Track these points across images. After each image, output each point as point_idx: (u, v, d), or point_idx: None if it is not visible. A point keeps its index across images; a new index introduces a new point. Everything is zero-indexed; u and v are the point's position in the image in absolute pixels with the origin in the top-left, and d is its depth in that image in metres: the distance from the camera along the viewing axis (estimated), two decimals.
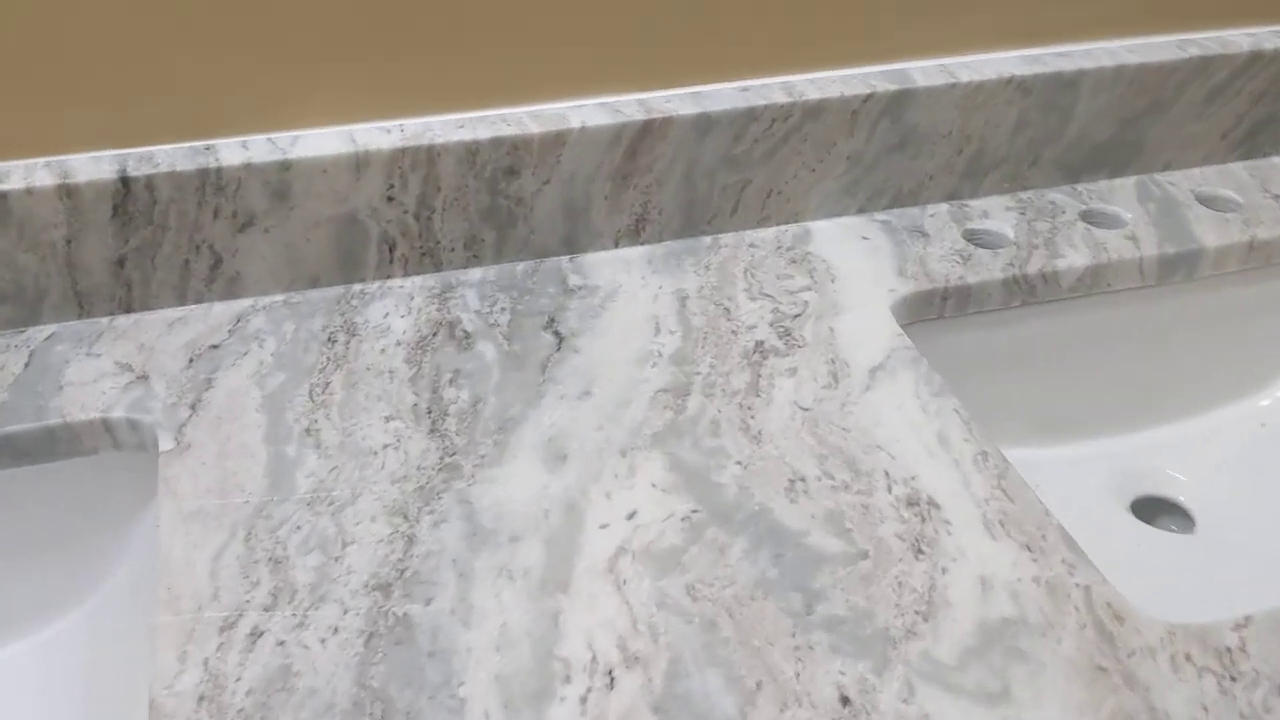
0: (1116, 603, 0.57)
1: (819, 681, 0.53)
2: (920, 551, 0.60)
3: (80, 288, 0.72)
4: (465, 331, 0.74)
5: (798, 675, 0.53)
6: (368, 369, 0.71)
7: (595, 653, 0.54)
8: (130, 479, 0.69)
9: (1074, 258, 0.83)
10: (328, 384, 0.70)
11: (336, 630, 0.54)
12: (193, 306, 0.75)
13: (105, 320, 0.74)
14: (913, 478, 0.64)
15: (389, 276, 0.79)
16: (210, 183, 0.71)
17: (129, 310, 0.74)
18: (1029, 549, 0.60)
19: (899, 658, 0.54)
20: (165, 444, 0.65)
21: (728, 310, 0.77)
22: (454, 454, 0.65)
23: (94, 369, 0.70)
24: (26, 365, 0.70)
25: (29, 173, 0.68)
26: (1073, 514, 0.81)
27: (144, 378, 0.69)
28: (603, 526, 0.60)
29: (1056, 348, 0.87)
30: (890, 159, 0.85)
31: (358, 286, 0.78)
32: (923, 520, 0.61)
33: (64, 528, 0.70)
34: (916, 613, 0.56)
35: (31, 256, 0.70)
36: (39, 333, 0.73)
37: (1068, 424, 0.90)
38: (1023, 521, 0.61)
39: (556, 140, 0.76)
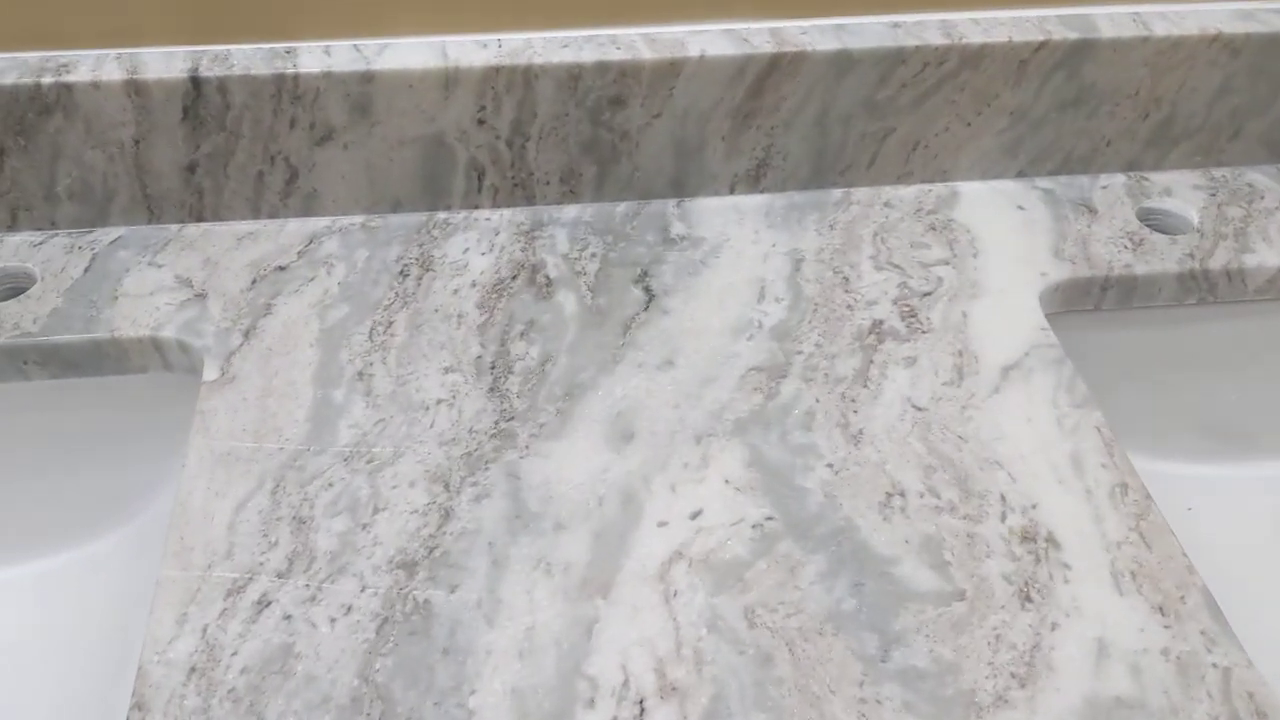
0: (1261, 694, 0.47)
1: None
2: (1028, 599, 0.50)
3: (150, 191, 0.68)
4: (548, 278, 0.67)
5: None
6: (436, 311, 0.64)
7: (629, 675, 0.47)
8: (180, 403, 0.65)
9: (1267, 254, 0.69)
10: (390, 323, 0.64)
11: (349, 610, 0.49)
12: (266, 221, 0.70)
13: (174, 228, 0.70)
14: (1033, 506, 0.54)
15: (475, 207, 0.72)
16: (287, 90, 0.65)
17: (199, 219, 0.70)
18: (1162, 612, 0.50)
19: None
20: (210, 373, 0.60)
21: (847, 280, 0.67)
22: (511, 419, 0.58)
23: (153, 280, 0.66)
24: (87, 270, 0.66)
25: (97, 65, 0.64)
26: (1228, 554, 0.70)
27: (202, 296, 0.65)
28: (661, 524, 0.53)
29: (1233, 356, 0.74)
30: (1061, 118, 0.73)
31: (441, 215, 0.71)
32: (1037, 561, 0.52)
33: (111, 445, 0.67)
34: (1012, 675, 0.47)
35: (99, 154, 0.66)
36: (105, 235, 0.69)
37: (1239, 443, 0.77)
38: (1159, 576, 0.51)
39: (671, 69, 0.67)
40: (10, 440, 0.66)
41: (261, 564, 0.51)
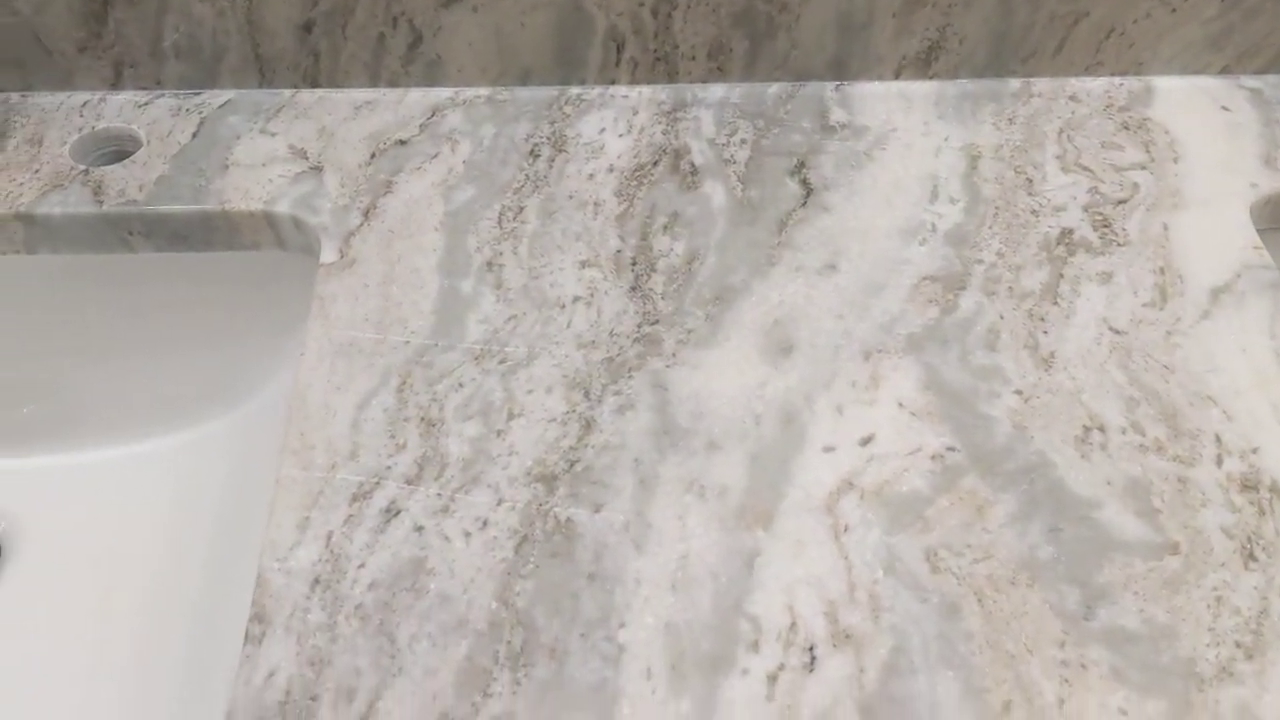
0: None
1: (1090, 717, 0.39)
2: (1252, 558, 0.44)
3: (262, 52, 0.62)
4: (692, 165, 0.60)
5: (1061, 702, 0.40)
6: (570, 197, 0.58)
7: (796, 618, 0.42)
8: (293, 284, 0.60)
9: None
10: (521, 209, 0.58)
11: (485, 525, 0.44)
12: (385, 90, 0.64)
13: (287, 93, 0.64)
14: (1253, 450, 0.47)
15: (613, 81, 0.65)
16: None
17: (314, 84, 0.64)
18: None
19: (1206, 705, 0.40)
20: (328, 255, 0.55)
21: (1030, 181, 0.60)
22: (655, 322, 0.52)
23: (265, 150, 0.60)
24: (195, 135, 0.61)
25: None
26: None
27: (318, 169, 0.59)
28: (827, 450, 0.47)
29: None
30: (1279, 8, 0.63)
31: (575, 90, 0.65)
32: (1261, 514, 0.45)
33: (218, 326, 0.62)
34: (1237, 645, 0.41)
35: (209, 8, 0.60)
36: (214, 98, 0.63)
37: None
38: None
39: None
40: (112, 315, 0.62)
41: (389, 468, 0.46)
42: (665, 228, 0.57)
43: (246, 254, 0.59)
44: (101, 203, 0.57)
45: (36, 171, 0.59)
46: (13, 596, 0.60)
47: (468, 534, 0.44)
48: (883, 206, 0.58)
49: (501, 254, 0.55)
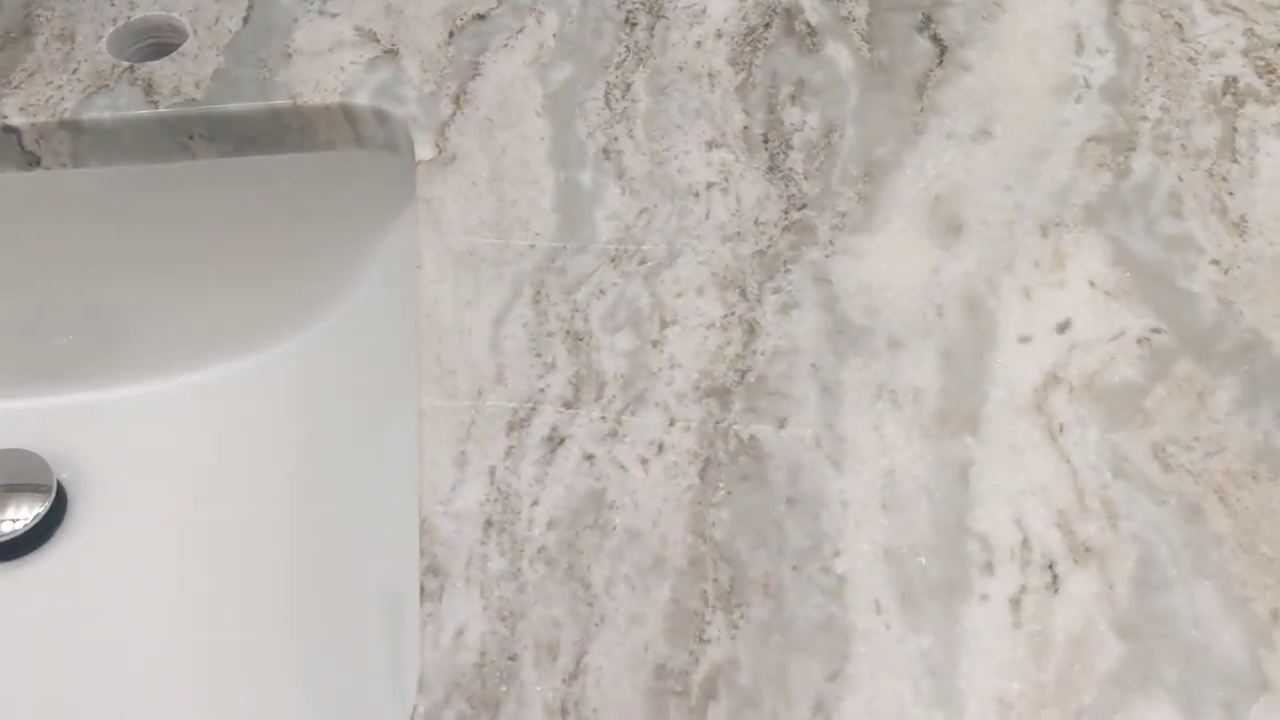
0: None
1: None
2: None
3: None
4: (809, 25, 0.54)
5: None
6: (680, 69, 0.52)
7: (1027, 533, 0.37)
8: (376, 186, 0.54)
9: None
10: (628, 86, 0.51)
11: (661, 449, 0.40)
12: None
13: None
14: None
15: None
16: None
17: None
18: None
19: None
20: (424, 150, 0.48)
21: (1180, 26, 0.54)
22: (803, 206, 0.47)
23: (329, 34, 0.53)
24: (245, 20, 0.54)
25: None
26: None
27: (393, 53, 0.53)
28: (1023, 340, 0.42)
29: None
30: None
31: None
32: None
33: (287, 236, 0.56)
34: None
35: None
36: None
37: None
38: None
39: None
40: (162, 229, 0.56)
41: (542, 390, 0.41)
42: (793, 98, 0.51)
43: (316, 155, 0.53)
44: (156, 103, 0.50)
45: (74, 71, 0.51)
46: (87, 553, 0.55)
47: (644, 460, 0.39)
48: (1026, 62, 0.52)
49: (617, 139, 0.49)
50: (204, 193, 0.54)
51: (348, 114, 0.51)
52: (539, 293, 0.44)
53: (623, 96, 0.51)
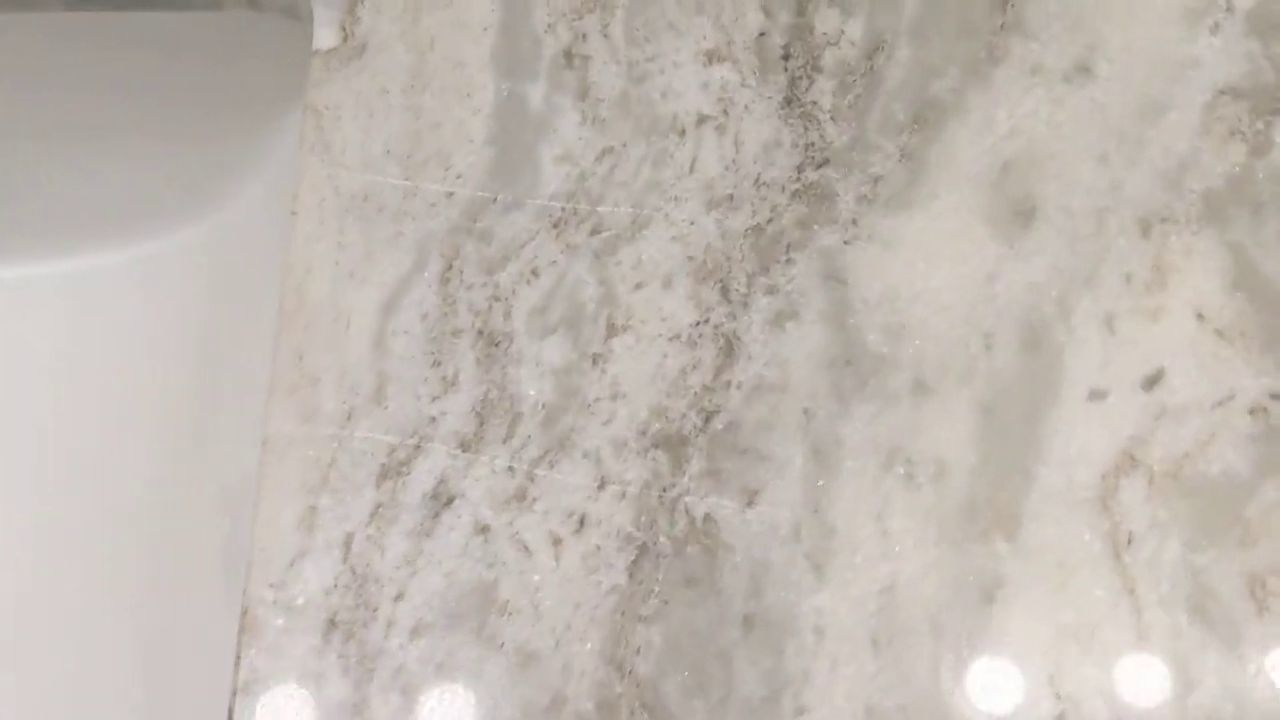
0: None
1: None
2: None
3: None
4: None
5: None
6: None
7: (1064, 705, 0.28)
8: (272, 64, 0.42)
9: None
10: None
11: (582, 524, 0.29)
12: None
13: None
14: None
15: None
16: None
17: None
18: None
19: None
20: (324, 35, 0.36)
21: None
22: (823, 162, 0.35)
23: None
24: None
25: None
26: None
27: None
28: (1095, 396, 0.31)
29: None
30: None
31: None
32: None
33: (167, 118, 0.44)
34: None
35: None
36: None
37: None
38: None
39: None
40: (41, 92, 0.44)
41: (434, 421, 0.30)
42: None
43: (195, 16, 0.40)
44: None
45: None
46: None
47: (557, 540, 0.29)
48: None
49: (585, 36, 0.36)
50: (57, 55, 0.41)
51: None
52: (450, 266, 0.32)
53: None
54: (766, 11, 0.37)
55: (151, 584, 0.45)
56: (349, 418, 0.30)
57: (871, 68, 0.36)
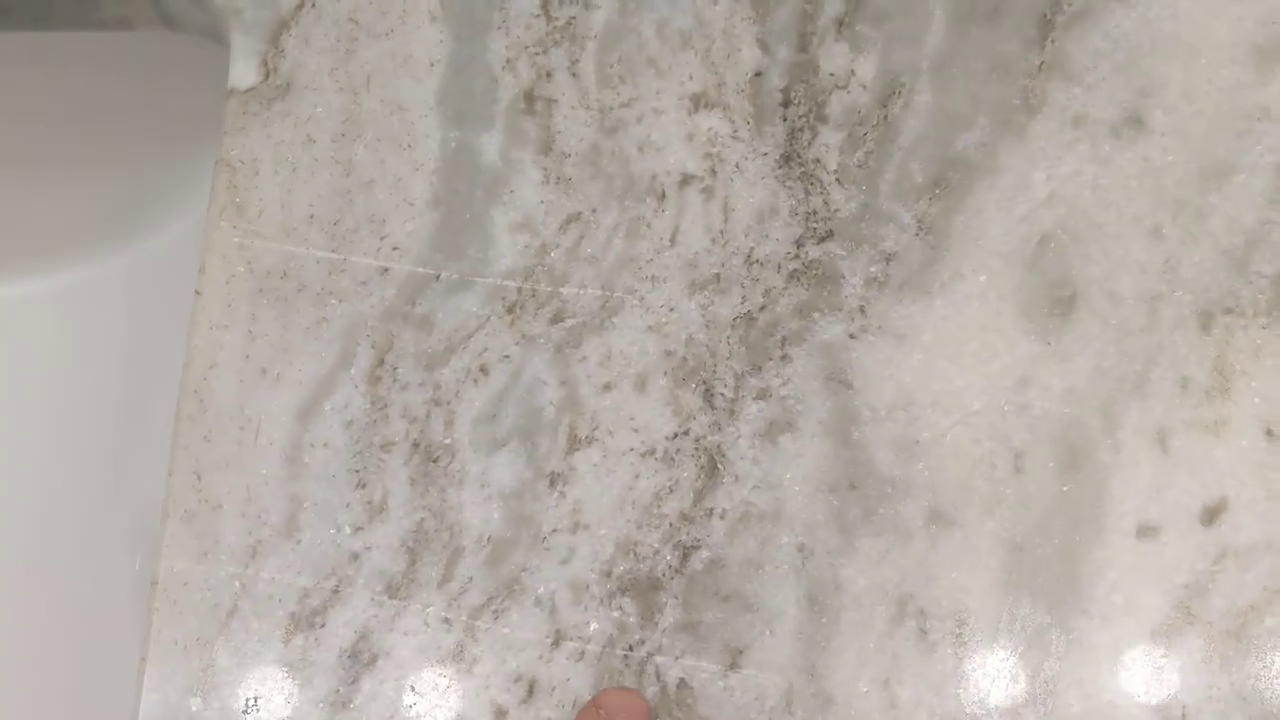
0: None
1: None
2: None
3: None
4: None
5: None
6: None
7: None
8: (198, 80, 0.36)
9: None
10: None
11: (531, 693, 0.25)
12: None
13: None
14: None
15: None
16: None
17: None
18: None
19: None
20: (242, 71, 0.30)
21: None
22: (826, 235, 0.29)
23: None
24: None
25: None
26: None
27: None
28: (1144, 532, 0.27)
29: None
30: None
31: None
32: None
33: (101, 136, 0.39)
34: None
35: None
36: None
37: None
38: None
39: None
40: None
41: (357, 558, 0.25)
42: (840, 24, 0.32)
43: (116, 36, 0.35)
44: None
45: None
46: None
47: (501, 713, 0.24)
48: None
49: (551, 74, 0.31)
50: None
51: None
52: (382, 361, 0.27)
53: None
54: (764, 46, 0.31)
55: (57, 620, 0.41)
56: (254, 554, 0.25)
57: (885, 117, 0.31)
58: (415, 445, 0.26)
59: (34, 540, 0.42)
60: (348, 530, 0.25)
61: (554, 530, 0.26)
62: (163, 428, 0.36)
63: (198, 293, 0.28)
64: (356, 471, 0.26)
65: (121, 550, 0.42)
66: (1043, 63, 0.31)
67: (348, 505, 0.26)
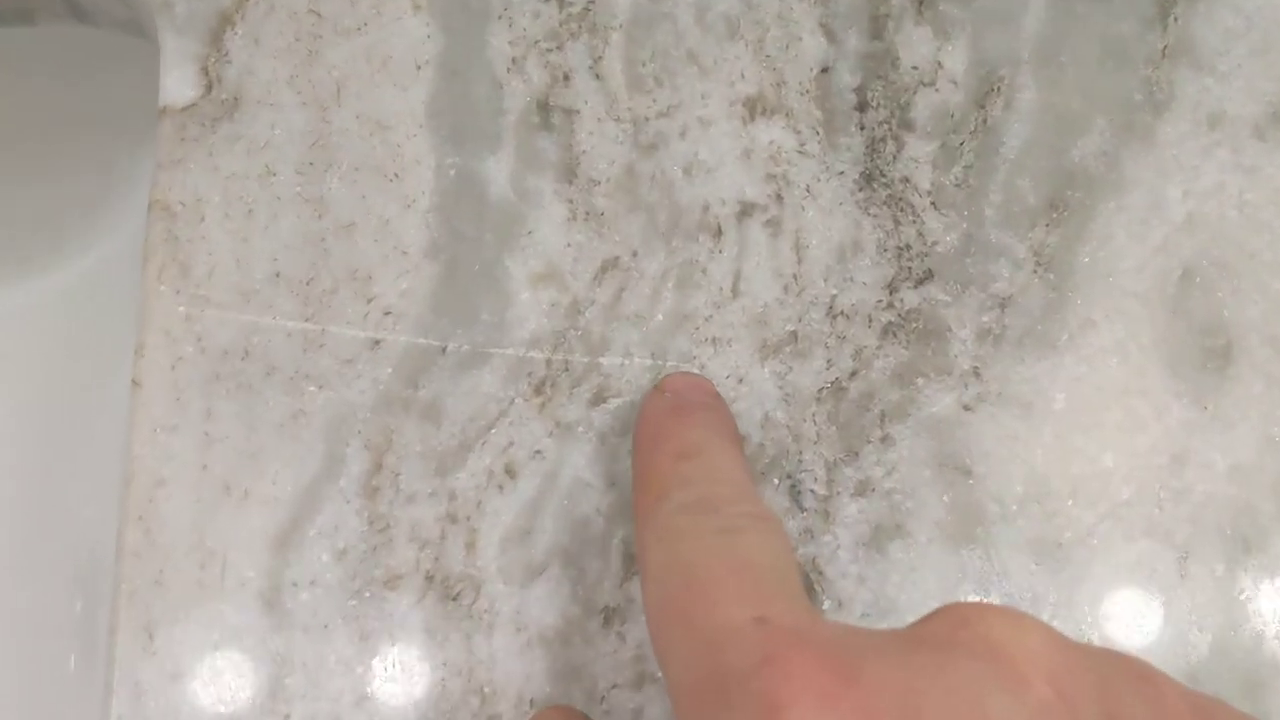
0: None
1: None
2: None
3: None
4: None
5: None
6: None
7: None
8: (129, 80, 0.29)
9: None
10: None
11: None
12: None
13: None
14: None
15: None
16: None
17: None
18: None
19: None
20: (177, 85, 0.24)
21: None
22: (925, 277, 0.24)
23: None
24: None
25: None
26: None
27: None
28: None
29: None
30: None
31: None
32: None
33: (22, 145, 0.32)
34: None
35: None
36: None
37: None
38: None
39: None
40: None
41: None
42: (920, 3, 0.26)
43: (18, 31, 0.28)
44: None
45: None
46: None
47: None
48: None
49: (569, 76, 0.24)
50: None
51: None
52: (379, 466, 0.21)
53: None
54: (828, 32, 0.25)
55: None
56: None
57: (984, 121, 0.25)
58: (429, 578, 0.21)
59: None
60: (348, 700, 0.20)
61: (613, 686, 0.20)
62: (106, 468, 0.31)
63: (135, 383, 0.21)
64: (356, 619, 0.20)
65: (62, 594, 0.37)
66: (1166, 46, 0.26)
67: (346, 665, 0.20)
